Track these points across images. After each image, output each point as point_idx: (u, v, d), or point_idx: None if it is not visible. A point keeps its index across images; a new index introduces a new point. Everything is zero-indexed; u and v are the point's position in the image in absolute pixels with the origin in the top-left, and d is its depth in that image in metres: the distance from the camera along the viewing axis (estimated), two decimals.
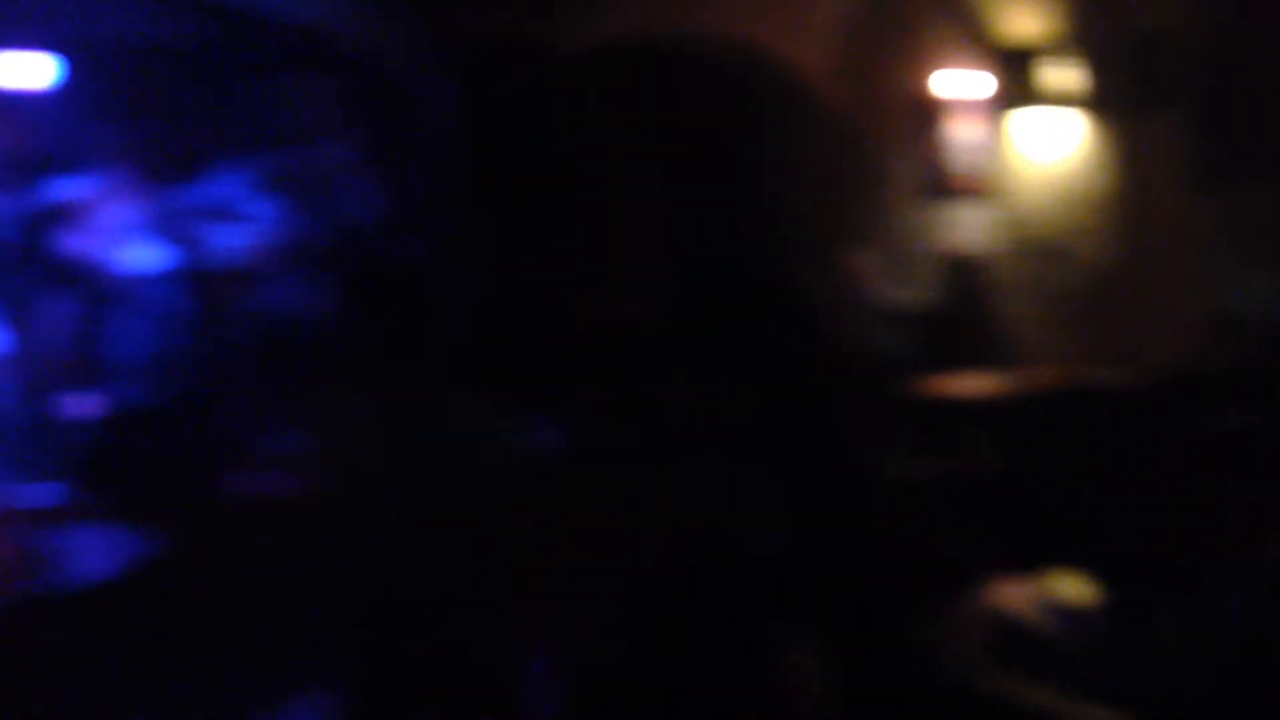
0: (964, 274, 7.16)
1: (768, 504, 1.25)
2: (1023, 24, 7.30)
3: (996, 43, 7.41)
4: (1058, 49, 7.22)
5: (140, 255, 6.24)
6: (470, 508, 2.44)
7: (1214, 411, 4.55)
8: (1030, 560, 3.51)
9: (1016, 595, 3.30)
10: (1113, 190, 7.18)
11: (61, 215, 5.91)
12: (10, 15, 6.67)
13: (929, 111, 7.54)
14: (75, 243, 6.06)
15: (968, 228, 7.53)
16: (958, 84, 7.60)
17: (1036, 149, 7.50)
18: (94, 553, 3.59)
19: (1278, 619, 3.17)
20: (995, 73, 7.51)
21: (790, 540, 1.23)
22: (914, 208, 7.44)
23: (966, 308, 7.02)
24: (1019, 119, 7.54)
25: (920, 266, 7.12)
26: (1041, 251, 7.39)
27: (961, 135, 7.56)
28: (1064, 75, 7.26)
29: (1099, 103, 7.19)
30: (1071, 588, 3.34)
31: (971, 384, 6.09)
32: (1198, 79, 6.80)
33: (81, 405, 6.08)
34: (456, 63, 6.26)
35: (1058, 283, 7.21)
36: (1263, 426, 4.27)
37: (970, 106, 7.57)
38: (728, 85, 1.25)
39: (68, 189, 6.03)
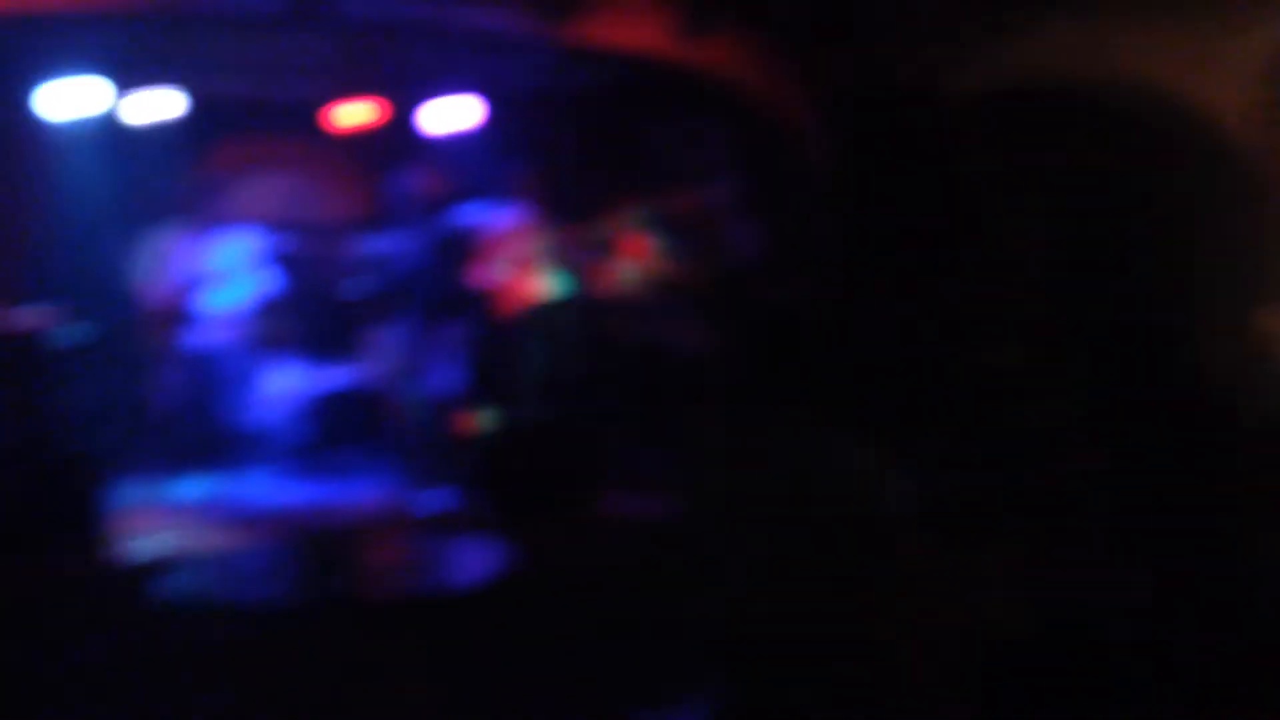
0: None
1: (1137, 578, 1.16)
2: None
3: None
4: None
5: (537, 285, 6.70)
6: (832, 550, 2.44)
7: None
8: None
9: None
10: None
11: (471, 246, 6.43)
12: (438, 65, 7.39)
13: None
14: (481, 271, 6.60)
15: None
16: None
17: None
18: (474, 557, 3.86)
19: None
20: None
21: (1160, 622, 1.13)
22: None
23: None
24: None
25: None
26: None
27: None
28: None
29: None
30: None
31: None
32: None
33: (474, 421, 6.58)
34: (840, 107, 6.28)
35: None
36: None
37: None
38: (1131, 131, 1.18)
39: (478, 222, 6.55)
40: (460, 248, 6.36)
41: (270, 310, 6.59)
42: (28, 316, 5.87)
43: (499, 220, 6.69)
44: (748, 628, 2.53)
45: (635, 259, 6.73)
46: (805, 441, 2.58)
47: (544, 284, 6.72)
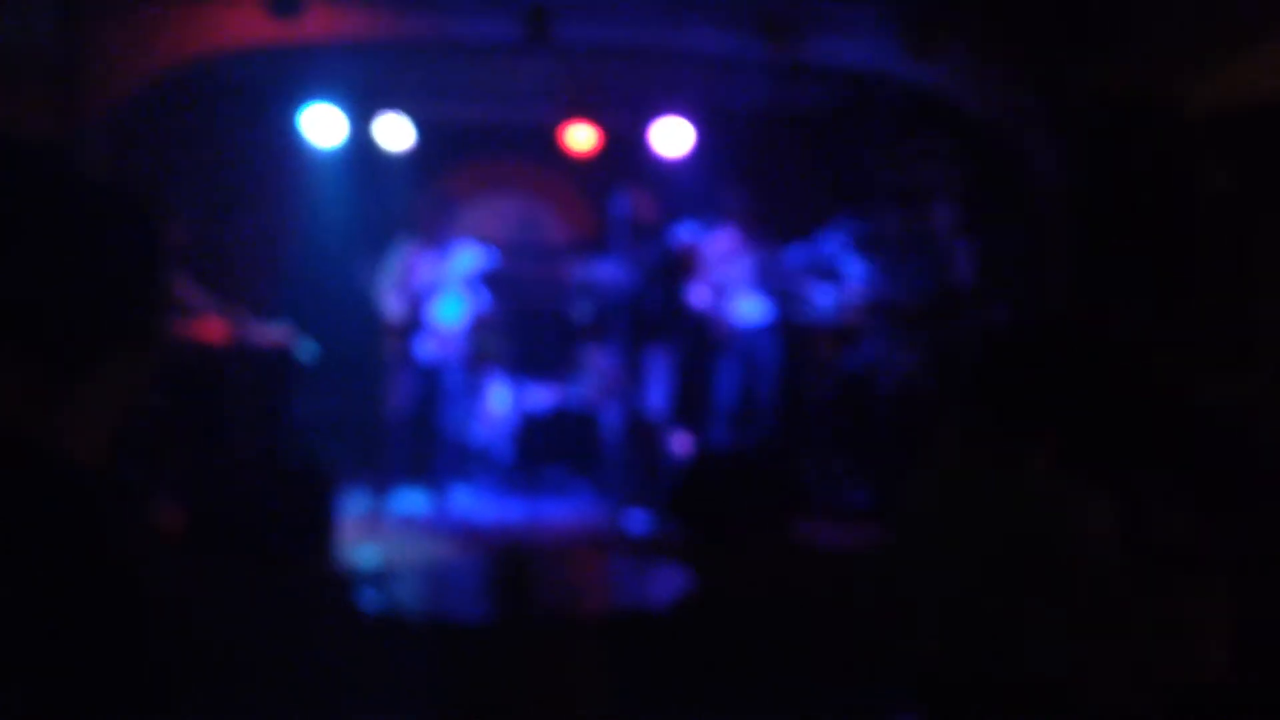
0: None
1: None
2: None
3: None
4: None
5: (746, 308, 6.66)
6: (1039, 581, 2.30)
7: None
8: None
9: None
10: None
11: (682, 269, 6.44)
12: (661, 87, 7.46)
13: None
14: (691, 294, 6.61)
15: None
16: None
17: None
18: (672, 581, 3.83)
19: None
20: None
21: None
22: None
23: None
24: None
25: None
26: None
27: None
28: None
29: None
30: None
31: None
32: None
33: (679, 444, 6.59)
34: (1073, 126, 5.98)
35: None
36: None
37: None
38: None
39: (690, 245, 6.56)
40: (674, 271, 6.38)
41: (490, 328, 6.77)
42: (271, 331, 6.24)
43: (713, 243, 6.68)
44: (949, 656, 2.41)
45: (849, 281, 6.58)
46: (1020, 472, 2.43)
47: (755, 307, 6.68)
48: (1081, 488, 2.38)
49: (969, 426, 2.56)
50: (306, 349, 6.34)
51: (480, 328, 6.65)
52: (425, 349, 6.44)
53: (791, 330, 6.67)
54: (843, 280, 6.56)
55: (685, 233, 6.57)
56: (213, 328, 6.01)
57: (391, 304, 6.42)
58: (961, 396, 2.59)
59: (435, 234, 6.67)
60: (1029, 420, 2.48)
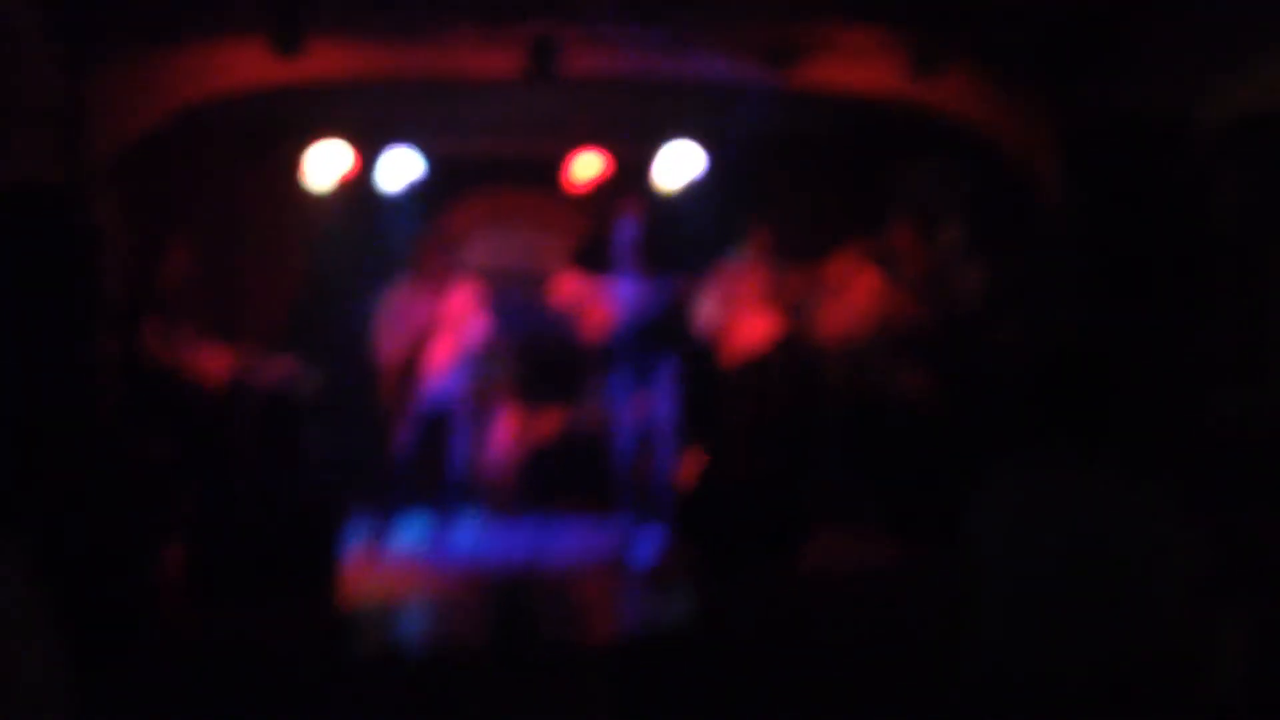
0: None
1: None
2: None
3: None
4: None
5: (760, 330, 6.63)
6: (1115, 587, 2.25)
7: None
8: None
9: None
10: None
11: (695, 293, 6.42)
12: (667, 115, 7.44)
13: None
14: (701, 316, 6.58)
15: None
16: None
17: None
18: (686, 605, 3.77)
19: None
20: None
21: None
22: None
23: None
24: None
25: None
26: None
27: None
28: None
29: None
30: None
31: None
32: None
33: (689, 467, 6.53)
34: (1080, 143, 5.93)
35: None
36: None
37: None
38: None
39: (700, 268, 6.54)
40: (683, 294, 6.36)
41: (496, 360, 6.73)
42: (277, 368, 6.22)
43: (724, 267, 6.67)
44: (1011, 667, 2.35)
45: (860, 302, 6.55)
46: (1098, 486, 2.39)
47: (767, 329, 6.64)
48: (1161, 499, 2.35)
49: (1034, 443, 2.54)
50: (313, 384, 6.31)
51: (487, 362, 6.60)
52: (429, 386, 6.38)
53: (802, 350, 6.64)
54: (853, 299, 6.52)
55: (697, 258, 6.56)
56: (218, 365, 5.99)
57: (391, 341, 6.34)
58: (973, 414, 2.54)
59: (438, 269, 6.61)
60: (1043, 437, 2.46)
